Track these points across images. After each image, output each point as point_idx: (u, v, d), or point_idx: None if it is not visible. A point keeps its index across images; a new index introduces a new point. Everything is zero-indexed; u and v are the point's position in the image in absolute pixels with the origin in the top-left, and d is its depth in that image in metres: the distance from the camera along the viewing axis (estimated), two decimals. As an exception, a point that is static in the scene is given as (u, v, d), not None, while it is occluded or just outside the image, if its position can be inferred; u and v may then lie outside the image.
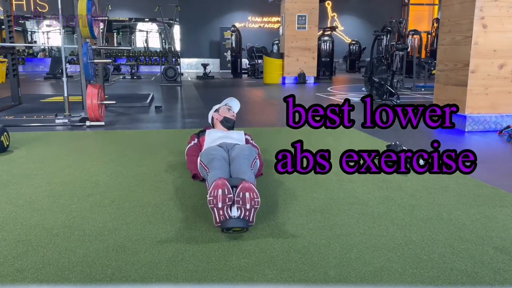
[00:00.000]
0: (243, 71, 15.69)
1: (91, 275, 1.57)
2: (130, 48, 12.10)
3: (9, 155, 3.41)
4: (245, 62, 16.52)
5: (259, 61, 14.33)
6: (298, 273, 1.60)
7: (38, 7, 17.54)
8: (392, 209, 2.26)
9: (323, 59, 13.29)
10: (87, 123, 4.88)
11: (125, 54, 19.72)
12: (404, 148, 3.15)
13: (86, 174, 2.87)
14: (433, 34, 14.41)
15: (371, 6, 20.49)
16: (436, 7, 20.70)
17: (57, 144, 3.87)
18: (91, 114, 4.82)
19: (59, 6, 4.94)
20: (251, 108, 6.97)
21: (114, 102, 5.78)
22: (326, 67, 13.43)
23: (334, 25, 17.72)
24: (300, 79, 11.82)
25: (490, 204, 2.34)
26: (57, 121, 4.95)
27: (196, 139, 2.93)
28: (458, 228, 2.02)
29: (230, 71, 16.23)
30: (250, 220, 2.00)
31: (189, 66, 19.83)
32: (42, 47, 20.97)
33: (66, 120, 4.95)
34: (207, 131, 2.93)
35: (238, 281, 1.55)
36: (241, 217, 1.97)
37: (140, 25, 23.03)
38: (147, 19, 20.99)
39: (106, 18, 6.17)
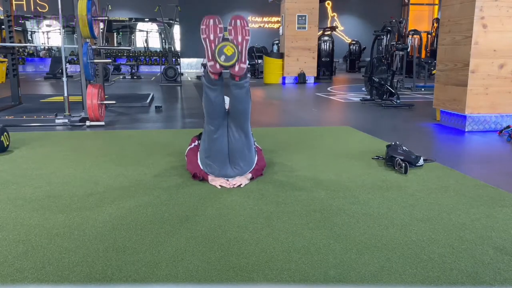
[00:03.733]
0: (243, 71, 15.66)
1: (91, 275, 1.57)
2: (130, 48, 12.09)
3: (9, 155, 3.41)
4: (245, 62, 16.49)
5: (259, 61, 14.33)
6: (298, 273, 1.60)
7: (38, 7, 17.55)
8: (392, 209, 2.26)
9: (323, 59, 13.28)
10: (87, 123, 4.88)
11: (125, 54, 19.71)
12: (404, 148, 3.14)
13: (86, 174, 2.87)
14: (433, 34, 14.39)
15: (371, 6, 20.49)
16: (436, 7, 20.70)
17: (57, 144, 3.87)
18: (91, 114, 4.82)
19: (59, 6, 4.94)
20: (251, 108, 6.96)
21: (114, 102, 5.78)
22: (326, 67, 13.42)
23: (334, 25, 17.71)
24: (300, 79, 11.81)
25: (490, 204, 2.34)
26: (57, 121, 4.95)
27: (196, 141, 2.94)
28: (458, 228, 2.02)
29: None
30: (243, 59, 2.10)
31: (189, 66, 19.83)
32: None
33: (66, 120, 4.95)
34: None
35: (238, 281, 1.55)
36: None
37: (140, 25, 23.03)
38: (147, 19, 21.00)
39: (106, 18, 6.16)
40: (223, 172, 2.67)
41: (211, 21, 2.13)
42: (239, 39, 2.10)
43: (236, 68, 2.25)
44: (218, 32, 2.11)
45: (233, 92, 2.51)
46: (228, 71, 2.35)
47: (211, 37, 2.10)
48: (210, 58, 2.13)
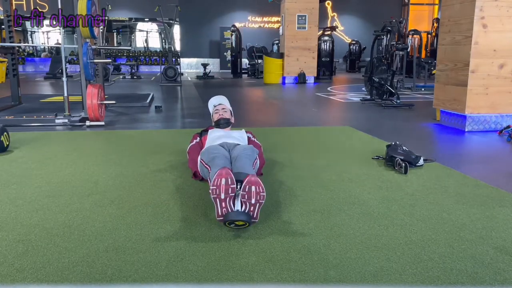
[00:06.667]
0: (243, 71, 15.67)
1: (91, 275, 1.57)
2: (130, 48, 12.10)
3: (9, 155, 3.41)
4: (245, 62, 16.51)
5: (259, 61, 14.33)
6: (298, 273, 1.60)
7: (38, 7, 17.55)
8: (392, 209, 2.26)
9: (323, 59, 13.27)
10: (87, 123, 4.88)
11: (125, 54, 19.70)
12: (404, 148, 3.14)
13: (86, 174, 2.87)
14: (433, 34, 14.40)
15: (371, 6, 20.48)
16: (436, 7, 20.70)
17: (57, 144, 3.87)
18: (91, 114, 4.82)
19: (59, 6, 4.94)
20: (251, 108, 6.97)
21: (114, 102, 5.78)
22: (326, 67, 13.41)
23: (334, 25, 17.70)
24: (300, 79, 11.81)
25: (490, 204, 2.33)
26: (57, 121, 4.95)
27: (198, 138, 2.96)
28: (458, 228, 2.02)
29: (230, 71, 16.20)
30: (254, 216, 1.95)
31: (189, 66, 19.82)
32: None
33: (66, 120, 4.95)
34: (209, 130, 2.96)
35: (238, 281, 1.55)
36: (245, 212, 1.92)
37: (140, 25, 23.03)
38: (147, 19, 20.99)
39: (106, 18, 6.16)
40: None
41: (223, 181, 1.96)
42: (253, 201, 1.95)
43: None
44: (229, 192, 1.96)
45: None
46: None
47: (222, 196, 1.96)
48: (220, 218, 1.98)
